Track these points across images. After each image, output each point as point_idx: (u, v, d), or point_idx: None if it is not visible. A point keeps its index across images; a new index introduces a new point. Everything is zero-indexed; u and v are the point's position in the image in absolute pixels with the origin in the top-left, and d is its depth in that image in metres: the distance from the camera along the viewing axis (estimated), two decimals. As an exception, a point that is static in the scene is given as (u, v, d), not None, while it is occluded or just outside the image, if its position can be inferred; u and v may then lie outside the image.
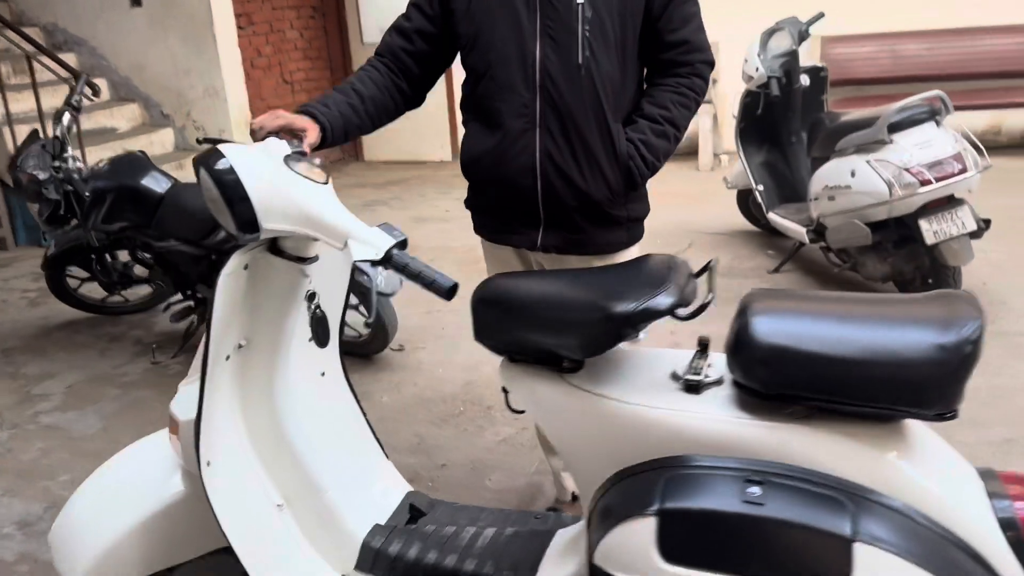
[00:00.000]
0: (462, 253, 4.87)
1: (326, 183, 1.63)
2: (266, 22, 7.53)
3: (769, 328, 1.36)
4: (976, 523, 1.34)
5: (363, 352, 3.72)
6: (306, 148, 1.77)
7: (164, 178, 3.69)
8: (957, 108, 3.81)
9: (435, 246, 5.28)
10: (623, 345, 1.51)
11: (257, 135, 1.79)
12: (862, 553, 1.27)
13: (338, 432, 1.98)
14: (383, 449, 2.08)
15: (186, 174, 5.90)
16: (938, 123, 3.61)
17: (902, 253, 3.74)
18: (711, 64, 2.03)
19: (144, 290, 4.46)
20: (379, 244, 1.53)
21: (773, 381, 1.36)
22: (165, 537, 1.80)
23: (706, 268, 1.62)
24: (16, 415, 3.50)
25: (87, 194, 3.63)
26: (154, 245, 3.69)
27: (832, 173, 3.83)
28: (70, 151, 3.81)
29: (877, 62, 6.72)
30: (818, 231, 4.06)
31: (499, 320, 1.56)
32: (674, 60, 1.99)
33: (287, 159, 1.63)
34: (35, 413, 3.51)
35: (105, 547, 1.76)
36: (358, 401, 2.06)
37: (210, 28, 6.51)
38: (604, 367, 1.56)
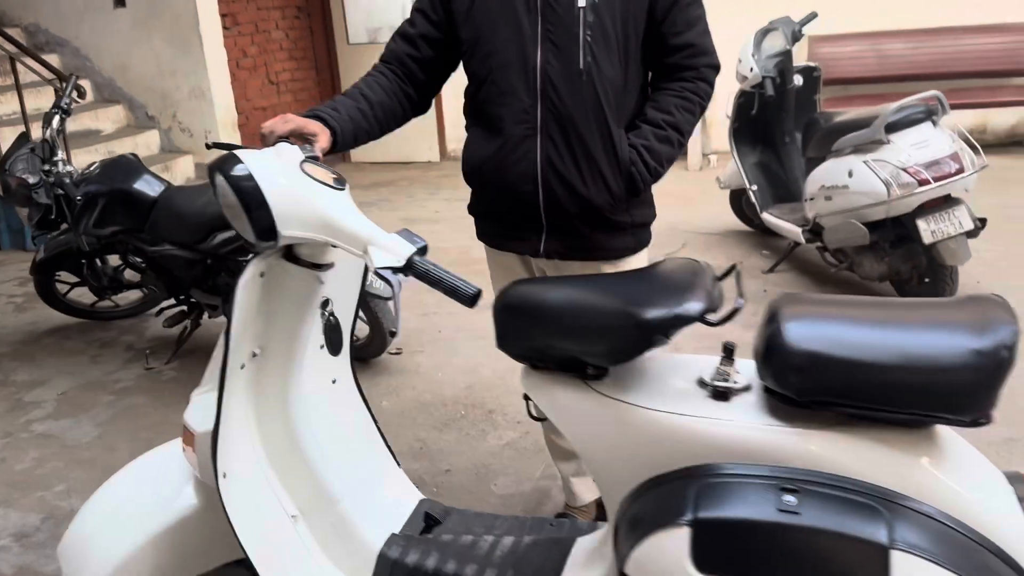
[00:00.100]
0: (455, 254, 4.82)
1: (343, 189, 1.60)
2: (251, 22, 7.47)
3: (803, 334, 1.35)
4: (1008, 528, 1.33)
5: (360, 356, 3.69)
6: (318, 153, 1.75)
7: (157, 181, 3.64)
8: (943, 108, 3.83)
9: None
10: (651, 352, 1.49)
11: (267, 140, 1.75)
12: (900, 561, 1.26)
13: (350, 440, 1.95)
14: (394, 457, 2.05)
15: (173, 176, 5.85)
16: (935, 123, 3.62)
17: (899, 253, 3.75)
18: (717, 68, 2.01)
19: (134, 295, 4.41)
20: (400, 251, 1.51)
21: (807, 388, 1.35)
22: (178, 550, 1.77)
23: (729, 272, 1.60)
24: (8, 423, 3.44)
25: (79, 198, 3.57)
26: (147, 249, 3.64)
27: (829, 173, 3.84)
28: (60, 154, 3.75)
29: (863, 61, 6.76)
30: (814, 231, 4.07)
31: (523, 327, 1.54)
32: (679, 64, 1.96)
33: (303, 164, 1.60)
34: (27, 421, 3.45)
35: (117, 561, 1.72)
36: (369, 408, 2.03)
37: (196, 28, 6.45)
38: (629, 374, 1.54)
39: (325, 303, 1.79)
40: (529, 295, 1.57)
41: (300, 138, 1.77)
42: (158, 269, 3.73)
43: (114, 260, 4.15)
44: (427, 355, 3.83)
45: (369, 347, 3.61)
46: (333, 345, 1.86)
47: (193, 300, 3.79)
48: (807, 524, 1.29)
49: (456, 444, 3.07)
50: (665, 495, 1.41)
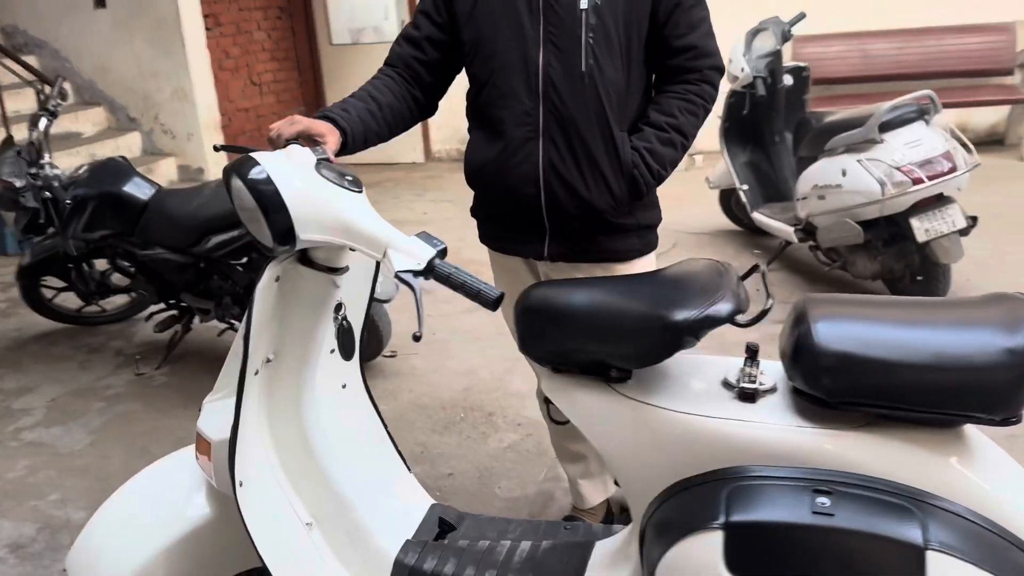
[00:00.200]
0: (448, 256, 4.80)
1: (361, 191, 1.58)
2: (233, 23, 7.40)
3: (833, 335, 1.34)
4: (1038, 526, 1.33)
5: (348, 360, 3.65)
6: (330, 155, 1.71)
7: (147, 184, 3.59)
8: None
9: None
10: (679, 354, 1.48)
11: (276, 143, 1.72)
12: (935, 561, 1.25)
13: (362, 446, 1.92)
14: (404, 461, 2.03)
15: (155, 179, 5.76)
16: (927, 122, 3.64)
17: (892, 251, 3.77)
18: (721, 70, 1.99)
19: (121, 299, 4.34)
20: (420, 254, 1.48)
21: (839, 389, 1.34)
22: (190, 561, 1.73)
23: (750, 272, 1.59)
24: (-4, 432, 3.38)
25: (67, 201, 3.51)
26: (137, 253, 3.58)
27: (822, 172, 3.85)
28: (47, 157, 3.68)
29: (847, 61, 6.80)
30: (807, 230, 4.08)
31: (548, 330, 1.52)
32: (682, 66, 1.94)
33: (318, 167, 1.57)
34: (16, 429, 3.39)
35: (129, 573, 1.68)
36: (379, 413, 2.01)
37: (178, 29, 6.38)
38: (652, 376, 1.53)
39: (338, 307, 1.76)
40: (553, 298, 1.55)
41: (308, 140, 1.74)
42: (148, 273, 3.68)
43: (101, 264, 4.09)
44: (422, 358, 3.80)
45: (364, 350, 3.58)
46: (346, 349, 1.83)
47: (184, 304, 3.74)
48: (841, 526, 1.29)
49: (457, 447, 3.05)
50: (695, 498, 1.40)
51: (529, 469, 2.89)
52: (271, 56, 7.91)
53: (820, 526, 1.29)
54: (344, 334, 1.80)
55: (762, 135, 4.67)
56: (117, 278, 4.11)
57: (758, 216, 4.57)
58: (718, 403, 1.46)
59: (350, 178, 1.57)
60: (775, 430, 1.40)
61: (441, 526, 1.90)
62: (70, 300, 4.24)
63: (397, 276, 1.47)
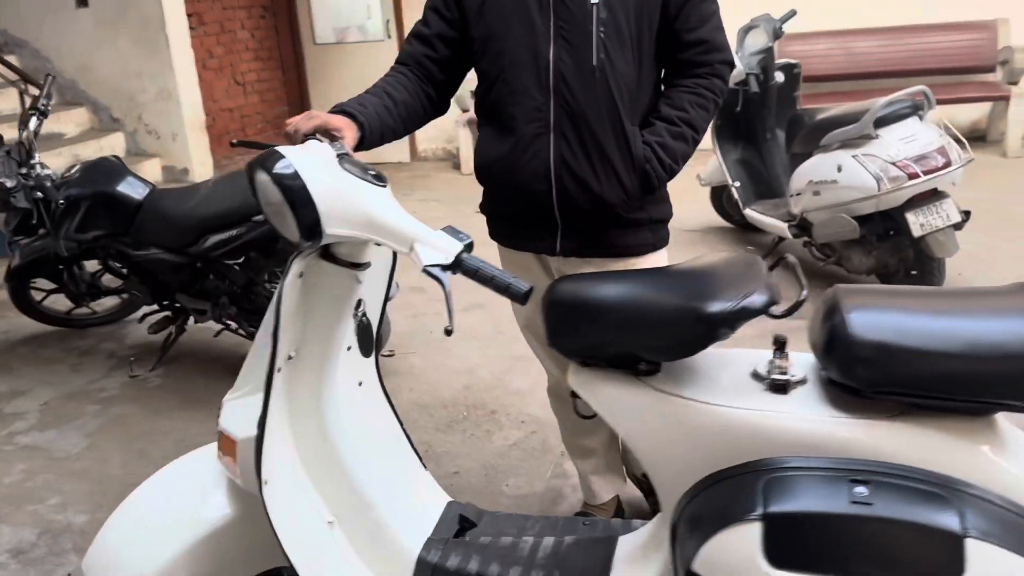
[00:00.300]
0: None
1: (385, 185, 1.56)
2: (217, 22, 7.34)
3: (868, 325, 1.34)
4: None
5: (352, 359, 3.63)
6: (348, 149, 1.69)
7: (141, 184, 3.54)
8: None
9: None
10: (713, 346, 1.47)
11: (294, 138, 1.69)
12: (974, 549, 1.25)
13: (379, 444, 1.91)
14: (420, 459, 2.01)
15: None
16: (921, 117, 3.67)
17: (886, 246, 3.80)
18: (731, 64, 1.99)
19: (110, 301, 4.29)
20: (448, 248, 1.47)
21: (874, 379, 1.34)
22: (212, 561, 1.71)
23: (776, 264, 1.59)
24: (-10, 436, 3.32)
25: (60, 202, 3.45)
26: (131, 254, 3.53)
27: (817, 168, 3.87)
28: (37, 157, 3.63)
29: (831, 59, 6.85)
30: (801, 226, 4.10)
31: (579, 323, 1.52)
32: (692, 60, 1.94)
33: (340, 161, 1.56)
34: (10, 434, 3.33)
35: (152, 572, 1.66)
36: (395, 410, 1.99)
37: (162, 29, 6.31)
38: (682, 369, 1.53)
39: (357, 304, 1.74)
40: (584, 291, 1.54)
41: (326, 135, 1.72)
42: (142, 274, 3.63)
43: (91, 266, 4.04)
44: (420, 357, 3.79)
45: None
46: (365, 346, 1.82)
47: (178, 305, 3.70)
48: (880, 515, 1.29)
49: (461, 446, 3.03)
50: (730, 491, 1.40)
51: (536, 466, 2.88)
52: (255, 55, 7.86)
53: (859, 515, 1.29)
54: (363, 330, 1.79)
55: (754, 132, 4.69)
56: (108, 279, 4.06)
57: (750, 213, 4.59)
58: (749, 395, 1.46)
59: (373, 172, 1.56)
60: (809, 421, 1.40)
61: (461, 523, 1.88)
62: (59, 302, 4.18)
63: (425, 270, 1.46)
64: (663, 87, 2.00)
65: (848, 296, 1.41)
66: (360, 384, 1.92)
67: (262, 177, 1.50)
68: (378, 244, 1.58)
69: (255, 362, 1.71)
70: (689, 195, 5.57)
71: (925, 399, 1.35)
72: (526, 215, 2.00)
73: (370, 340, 1.81)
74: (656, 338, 1.46)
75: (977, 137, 6.91)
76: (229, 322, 3.60)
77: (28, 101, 3.80)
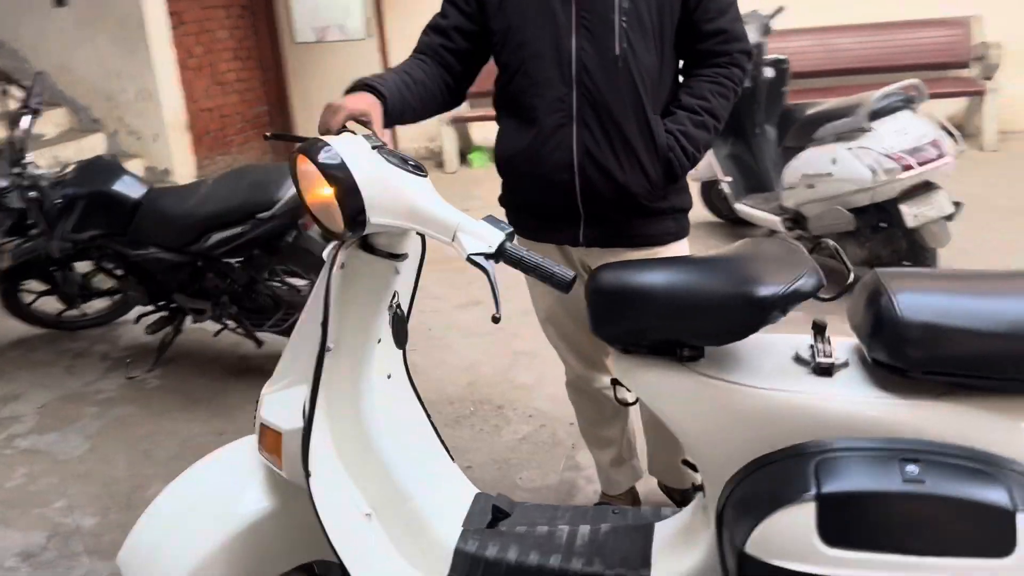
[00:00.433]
0: (432, 252, 4.78)
1: (426, 175, 1.56)
2: (196, 22, 7.25)
3: (916, 307, 1.37)
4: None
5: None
6: (382, 137, 1.67)
7: (138, 183, 3.50)
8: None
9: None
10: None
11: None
12: (1025, 524, 1.28)
13: (410, 436, 1.91)
14: (448, 451, 2.02)
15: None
16: (914, 110, 3.73)
17: (879, 238, 3.85)
18: (749, 54, 2.02)
19: (101, 304, 4.23)
20: (491, 238, 1.48)
21: (922, 359, 1.37)
22: (250, 555, 1.70)
23: (813, 249, 1.61)
24: (-12, 440, 3.27)
25: (57, 202, 3.40)
26: (129, 253, 3.48)
27: (811, 162, 3.91)
28: (30, 157, 3.57)
29: (811, 56, 6.91)
30: (794, 219, 4.15)
31: (625, 309, 1.53)
32: (712, 50, 1.96)
33: (380, 151, 1.55)
34: (9, 437, 3.28)
35: (188, 569, 1.64)
36: (422, 403, 1.99)
37: (142, 28, 6.22)
38: (725, 355, 1.54)
39: (392, 295, 1.74)
40: (630, 278, 1.55)
41: (355, 123, 1.70)
42: (139, 274, 3.58)
43: (82, 267, 3.98)
44: (420, 354, 3.77)
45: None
46: (399, 338, 1.82)
47: (175, 305, 3.65)
48: (933, 492, 1.32)
49: (471, 441, 3.03)
50: (780, 473, 1.42)
51: (547, 459, 2.89)
52: (234, 55, 7.78)
53: (912, 493, 1.32)
54: (397, 322, 1.79)
55: (744, 127, 4.73)
56: (98, 280, 4.00)
57: (741, 207, 4.63)
58: (795, 379, 1.48)
59: (413, 163, 1.56)
60: (856, 402, 1.43)
61: (495, 514, 1.89)
62: (48, 305, 4.12)
63: (469, 259, 1.46)
64: (682, 77, 2.02)
65: (892, 279, 1.43)
66: (389, 377, 1.91)
67: (307, 167, 1.49)
68: (419, 234, 1.58)
69: (295, 354, 1.71)
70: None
71: (970, 379, 1.38)
72: (548, 206, 2.00)
73: (404, 331, 1.81)
74: (706, 323, 1.47)
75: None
76: (228, 322, 3.57)
77: (10, 102, 3.73)
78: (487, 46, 2.03)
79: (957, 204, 3.76)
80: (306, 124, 8.19)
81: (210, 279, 3.42)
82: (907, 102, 3.72)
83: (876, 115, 3.69)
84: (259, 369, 3.72)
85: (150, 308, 3.74)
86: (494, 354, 3.70)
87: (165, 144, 6.54)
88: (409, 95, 1.86)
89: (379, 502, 1.75)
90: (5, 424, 3.38)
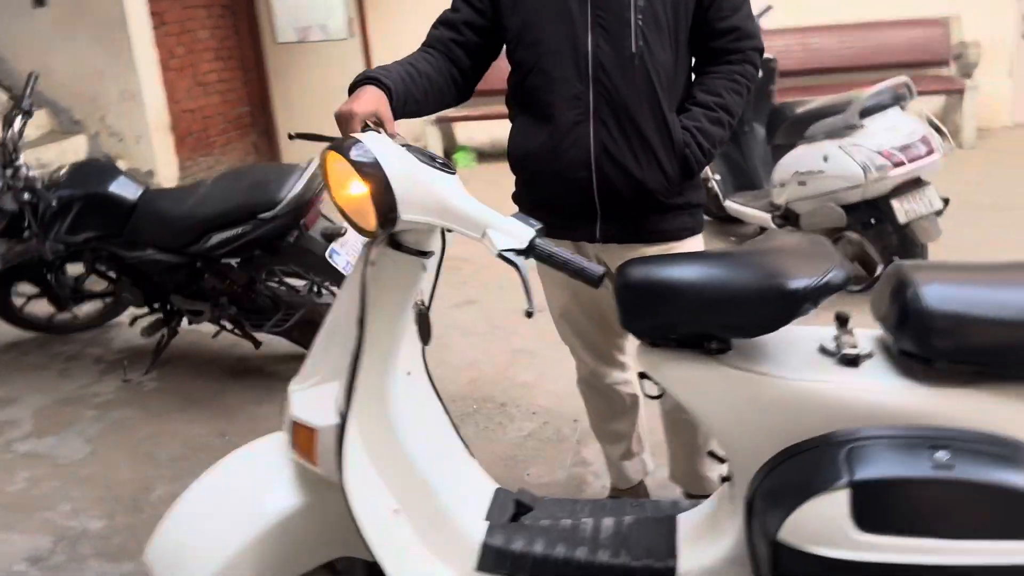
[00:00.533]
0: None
1: (454, 172, 1.58)
2: (178, 22, 7.19)
3: (942, 297, 1.40)
4: None
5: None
6: (395, 133, 1.67)
7: (134, 184, 3.48)
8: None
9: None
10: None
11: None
12: (1053, 508, 1.32)
13: (432, 432, 1.92)
14: (467, 447, 2.03)
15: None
16: (903, 108, 3.80)
17: (870, 234, 3.90)
18: (761, 51, 2.05)
19: (91, 307, 4.19)
20: (521, 234, 1.49)
21: (948, 348, 1.40)
22: (277, 552, 1.70)
23: (837, 242, 1.64)
24: (-15, 445, 3.23)
25: (53, 203, 3.37)
26: (125, 255, 3.46)
27: (802, 159, 3.97)
28: (22, 158, 3.54)
29: (791, 55, 6.99)
30: (785, 216, 4.19)
31: (655, 304, 1.55)
32: (725, 48, 1.99)
33: (410, 149, 1.57)
34: (7, 441, 3.25)
35: (220, 563, 1.65)
36: (441, 399, 2.01)
37: (125, 28, 6.17)
38: (752, 347, 1.57)
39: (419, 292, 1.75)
40: (661, 273, 1.58)
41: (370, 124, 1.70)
42: (135, 276, 3.56)
43: (73, 270, 3.94)
44: (419, 353, 3.78)
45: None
46: (423, 334, 1.83)
47: (171, 307, 3.63)
48: (963, 478, 1.35)
49: (476, 438, 3.04)
50: (811, 462, 1.44)
51: (554, 455, 2.91)
52: (215, 55, 7.72)
53: (943, 479, 1.35)
54: (421, 318, 1.80)
55: (732, 125, 4.77)
56: (90, 283, 3.97)
57: (731, 205, 4.67)
58: (823, 369, 1.51)
59: (441, 160, 1.57)
60: (882, 392, 1.46)
61: (518, 508, 1.90)
62: (39, 308, 4.08)
63: (500, 255, 1.48)
64: (695, 75, 2.05)
65: (916, 271, 1.47)
66: (408, 374, 1.92)
67: (339, 165, 1.50)
68: (448, 231, 1.59)
69: (324, 352, 1.71)
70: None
71: (995, 367, 1.42)
72: (564, 203, 2.02)
73: (428, 328, 1.82)
74: (739, 316, 1.50)
75: (933, 129, 7.13)
76: (225, 323, 3.55)
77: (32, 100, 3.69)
78: (498, 42, 2.04)
79: (945, 200, 3.83)
80: (287, 124, 8.15)
81: (208, 280, 3.41)
82: (896, 100, 3.79)
83: (867, 113, 3.75)
84: (257, 370, 3.71)
85: (144, 310, 3.72)
86: (493, 352, 3.72)
87: (148, 145, 6.48)
88: (413, 87, 1.85)
89: (406, 498, 1.76)
90: (2, 429, 3.35)
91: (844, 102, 3.85)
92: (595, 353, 2.27)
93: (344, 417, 1.57)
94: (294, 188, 3.14)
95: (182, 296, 3.52)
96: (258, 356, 3.75)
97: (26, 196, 3.42)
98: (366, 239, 1.62)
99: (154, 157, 6.52)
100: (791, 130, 4.12)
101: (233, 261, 3.33)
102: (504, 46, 2.06)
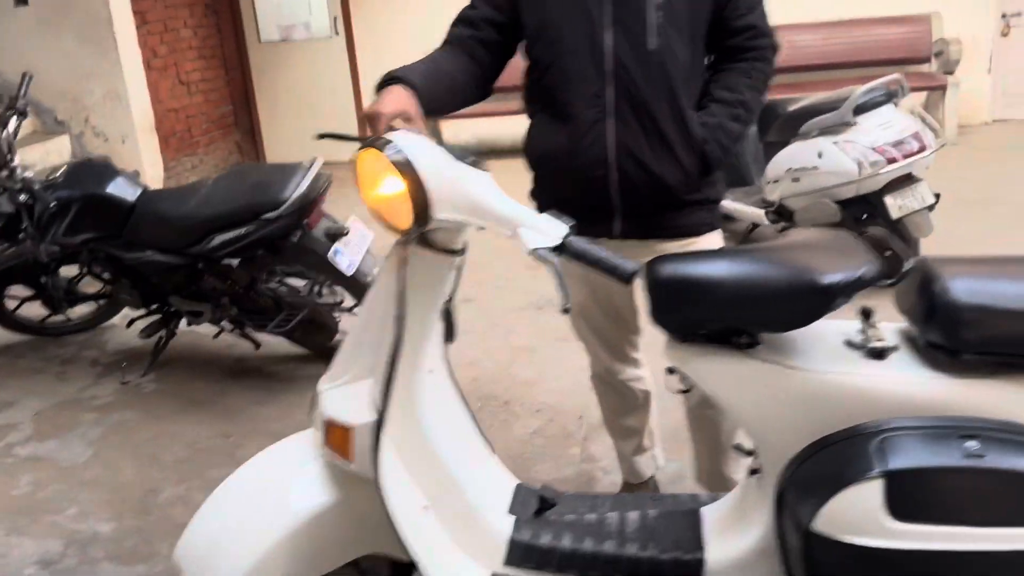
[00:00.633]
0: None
1: (487, 171, 1.59)
2: (160, 21, 7.14)
3: (969, 290, 1.43)
4: None
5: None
6: (424, 130, 1.68)
7: (132, 185, 3.46)
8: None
9: (384, 245, 5.18)
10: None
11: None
12: (1082, 496, 1.36)
13: (455, 429, 1.93)
14: (488, 443, 2.04)
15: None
16: (896, 104, 3.85)
17: (861, 229, 3.96)
18: (777, 48, 2.08)
19: (85, 309, 4.16)
20: (554, 231, 1.51)
21: (976, 340, 1.43)
22: (307, 550, 1.70)
23: (860, 236, 1.67)
24: (-16, 449, 3.20)
25: (52, 205, 3.34)
26: (124, 257, 3.43)
27: (796, 156, 4.01)
28: (17, 160, 3.50)
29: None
30: (779, 212, 4.24)
31: (688, 299, 1.57)
32: (742, 46, 2.01)
33: (441, 147, 1.58)
34: (7, 445, 3.22)
35: (252, 561, 1.65)
36: (463, 396, 2.02)
37: (110, 28, 6.11)
38: (780, 341, 1.59)
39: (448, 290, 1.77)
40: (693, 269, 1.60)
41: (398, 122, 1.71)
42: (134, 277, 3.54)
43: (67, 271, 3.91)
44: (418, 351, 3.79)
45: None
46: (449, 332, 1.84)
47: (170, 308, 3.61)
48: (993, 466, 1.38)
49: (483, 436, 3.05)
50: (843, 453, 1.47)
51: (561, 452, 2.93)
52: (198, 54, 7.67)
53: (974, 467, 1.38)
54: (448, 317, 1.81)
55: (723, 123, 4.82)
56: (84, 285, 3.94)
57: (723, 202, 4.70)
58: (851, 362, 1.54)
59: (473, 159, 1.58)
60: (911, 383, 1.49)
61: (542, 504, 1.92)
62: (32, 310, 4.05)
63: (533, 253, 1.49)
64: (712, 72, 2.07)
65: (944, 265, 1.50)
66: (431, 371, 1.93)
67: (373, 163, 1.51)
68: (480, 229, 1.60)
69: (355, 350, 1.72)
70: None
71: (1021, 357, 1.45)
72: (584, 200, 2.03)
73: (453, 326, 1.83)
74: (772, 311, 1.52)
75: (913, 125, 7.23)
76: (225, 324, 3.54)
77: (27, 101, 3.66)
78: (515, 38, 2.05)
79: (937, 196, 3.89)
80: (271, 124, 8.12)
81: (209, 281, 3.39)
82: (890, 96, 3.84)
83: (860, 109, 3.80)
84: (257, 371, 3.71)
85: (141, 312, 3.69)
86: (493, 350, 3.73)
87: (134, 146, 6.43)
88: (438, 85, 1.86)
89: (435, 494, 1.77)
90: (1, 432, 3.32)
91: (838, 99, 3.90)
92: (610, 349, 2.29)
93: (381, 415, 1.57)
94: (298, 188, 3.13)
95: (182, 297, 3.50)
96: (257, 356, 3.75)
97: (22, 197, 3.39)
98: (397, 238, 1.62)
99: (140, 158, 6.45)
100: (785, 127, 4.16)
101: (234, 261, 3.32)
102: (521, 43, 2.07)
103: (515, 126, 2.32)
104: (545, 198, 2.14)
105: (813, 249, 1.61)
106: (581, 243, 1.51)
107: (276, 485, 1.77)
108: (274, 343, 3.69)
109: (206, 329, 3.68)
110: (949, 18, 6.91)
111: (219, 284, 3.39)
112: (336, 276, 3.33)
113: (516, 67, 2.11)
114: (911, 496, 1.39)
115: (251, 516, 1.72)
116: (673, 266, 1.60)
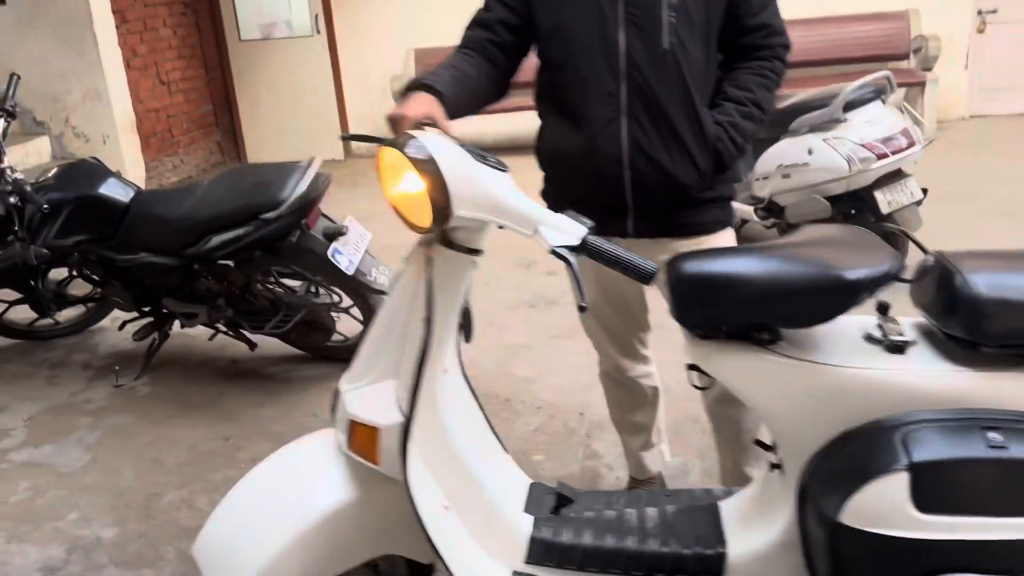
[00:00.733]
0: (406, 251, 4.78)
1: (507, 171, 1.59)
2: (139, 20, 7.08)
3: (990, 284, 1.46)
4: None
5: (345, 357, 3.59)
6: (453, 131, 1.68)
7: (125, 186, 3.43)
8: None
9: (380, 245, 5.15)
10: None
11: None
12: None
13: (470, 428, 1.94)
14: (501, 443, 2.05)
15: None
16: (883, 101, 3.90)
17: (854, 224, 4.01)
18: (789, 47, 2.09)
19: (73, 312, 4.11)
20: (573, 231, 1.52)
21: (997, 333, 1.46)
22: (324, 549, 1.70)
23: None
24: (-22, 455, 3.16)
25: (44, 207, 3.29)
26: (117, 259, 3.39)
27: (786, 152, 4.05)
28: (7, 161, 3.45)
29: (756, 50, 7.13)
30: (769, 208, 4.28)
31: (711, 296, 1.58)
32: (754, 44, 2.02)
33: (464, 147, 1.58)
34: (2, 451, 3.18)
35: (269, 559, 1.65)
36: (475, 396, 2.02)
37: (90, 27, 6.05)
38: (800, 337, 1.61)
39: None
40: (714, 266, 1.61)
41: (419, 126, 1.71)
42: (126, 279, 3.50)
43: (55, 274, 3.87)
44: (414, 351, 3.78)
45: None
46: (466, 331, 1.84)
47: (165, 310, 3.58)
48: (1016, 456, 1.41)
49: (485, 434, 3.06)
50: (866, 446, 1.49)
51: (564, 449, 2.94)
52: (178, 54, 7.62)
53: (998, 458, 1.41)
54: (465, 316, 1.81)
55: (711, 120, 4.85)
56: (73, 288, 3.90)
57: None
58: (872, 357, 1.56)
59: (493, 159, 1.59)
60: (931, 376, 1.51)
61: (559, 502, 1.93)
62: (19, 314, 3.99)
63: (553, 252, 1.50)
64: (725, 70, 2.09)
65: (961, 260, 1.52)
66: (445, 371, 1.94)
67: (396, 162, 1.51)
68: (501, 227, 1.61)
69: (378, 351, 1.72)
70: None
71: (1041, 350, 1.48)
72: (597, 199, 2.03)
73: (471, 325, 1.83)
74: (796, 307, 1.54)
75: (892, 121, 7.32)
76: (219, 325, 3.51)
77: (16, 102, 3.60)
78: (530, 39, 2.06)
79: (924, 190, 3.95)
80: (251, 123, 8.07)
81: (205, 282, 3.37)
82: (878, 93, 3.89)
83: (850, 106, 3.85)
84: (253, 372, 3.69)
85: (133, 315, 3.65)
86: (489, 348, 3.73)
87: (115, 146, 6.37)
88: (461, 90, 1.87)
89: (455, 494, 1.78)
90: (-6, 438, 3.28)
91: (827, 96, 3.95)
92: (620, 346, 2.30)
93: (408, 416, 1.57)
94: (297, 188, 3.11)
95: (176, 299, 3.47)
96: (252, 358, 3.73)
97: (12, 200, 3.34)
98: (419, 237, 1.63)
99: (122, 158, 6.39)
100: (774, 124, 4.19)
101: (230, 262, 3.30)
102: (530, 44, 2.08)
103: (526, 122, 2.32)
104: (558, 197, 2.15)
105: (834, 245, 1.63)
106: (601, 242, 1.52)
107: (293, 484, 1.77)
108: (270, 344, 3.67)
109: (199, 331, 3.66)
110: (927, 15, 7.01)
111: (215, 286, 3.36)
112: (334, 276, 3.32)
113: (532, 64, 2.12)
114: (936, 488, 1.42)
115: (268, 514, 1.72)
116: (696, 263, 1.62)
